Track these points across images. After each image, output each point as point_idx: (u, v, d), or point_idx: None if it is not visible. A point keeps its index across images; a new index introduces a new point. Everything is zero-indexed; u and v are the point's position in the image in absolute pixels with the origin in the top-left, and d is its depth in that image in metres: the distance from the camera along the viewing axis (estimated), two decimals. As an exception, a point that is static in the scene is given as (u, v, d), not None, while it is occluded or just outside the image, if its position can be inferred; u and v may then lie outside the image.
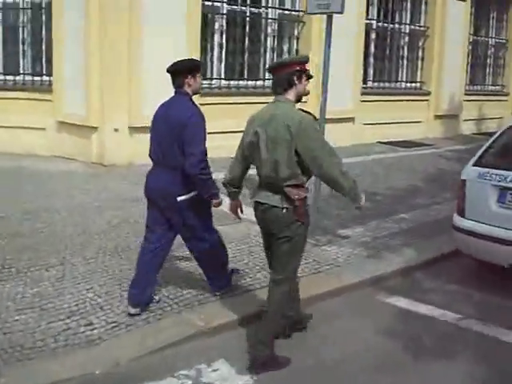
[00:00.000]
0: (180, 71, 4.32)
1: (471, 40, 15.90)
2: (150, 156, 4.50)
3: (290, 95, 3.89)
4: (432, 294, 5.22)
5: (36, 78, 10.19)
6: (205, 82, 10.30)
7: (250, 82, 11.04)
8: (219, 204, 4.42)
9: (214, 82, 10.58)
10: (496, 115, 16.61)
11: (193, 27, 9.69)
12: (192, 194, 4.30)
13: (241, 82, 10.97)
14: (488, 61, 16.91)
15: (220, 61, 10.62)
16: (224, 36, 10.64)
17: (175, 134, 4.19)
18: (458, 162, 11.07)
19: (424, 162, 11.15)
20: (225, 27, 10.64)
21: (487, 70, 16.97)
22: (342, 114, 11.96)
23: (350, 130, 12.41)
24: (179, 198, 4.28)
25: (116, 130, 9.35)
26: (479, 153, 5.44)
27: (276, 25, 11.44)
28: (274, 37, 11.38)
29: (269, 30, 11.31)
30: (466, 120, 15.80)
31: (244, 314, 4.52)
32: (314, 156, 3.71)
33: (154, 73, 8.83)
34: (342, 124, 12.10)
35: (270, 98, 4.02)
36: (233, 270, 5.03)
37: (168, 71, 4.37)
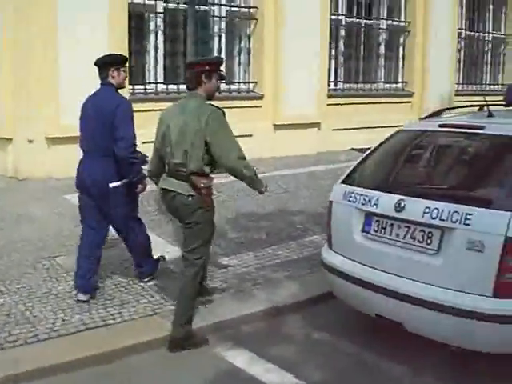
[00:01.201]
0: (104, 64, 4.67)
1: (463, 35, 14.65)
2: (80, 147, 4.79)
3: (201, 91, 4.23)
4: (285, 348, 4.18)
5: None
6: (140, 87, 9.43)
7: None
8: (144, 189, 4.76)
9: (150, 86, 9.66)
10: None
11: (118, 31, 8.77)
12: (124, 180, 4.59)
13: (181, 87, 10.03)
14: (485, 58, 15.60)
15: (156, 64, 9.69)
16: (161, 37, 9.71)
17: (105, 121, 4.48)
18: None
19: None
20: (162, 27, 9.71)
21: (484, 68, 15.65)
22: (305, 119, 10.97)
23: (314, 136, 11.37)
24: (111, 185, 4.55)
25: (30, 141, 8.52)
26: (351, 167, 4.36)
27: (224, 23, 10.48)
28: (220, 36, 10.39)
29: (215, 28, 10.34)
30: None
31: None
32: (220, 147, 4.03)
33: (73, 80, 8.03)
34: (306, 130, 11.11)
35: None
36: (159, 256, 5.28)
37: (95, 64, 4.74)
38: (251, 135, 9.79)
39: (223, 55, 10.19)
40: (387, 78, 13.27)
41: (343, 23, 12.16)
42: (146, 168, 4.66)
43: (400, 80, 13.40)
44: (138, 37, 9.54)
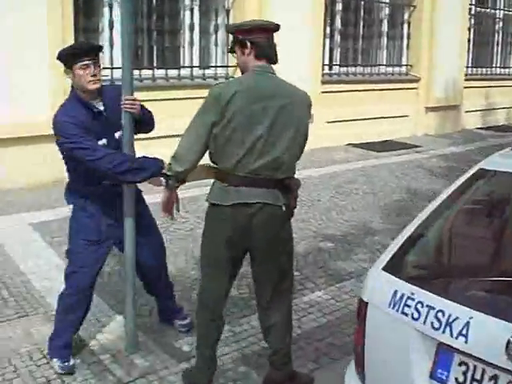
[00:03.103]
0: None
1: (473, 12, 12.80)
2: None
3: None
4: None
5: None
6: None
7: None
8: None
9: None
10: (506, 104, 13.60)
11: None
12: None
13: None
14: (496, 37, 13.77)
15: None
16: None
17: None
18: (445, 176, 8.16)
19: (393, 177, 8.20)
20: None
21: (495, 49, 13.81)
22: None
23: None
24: None
25: None
26: (401, 238, 2.50)
27: None
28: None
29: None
30: (468, 111, 12.77)
31: None
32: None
33: None
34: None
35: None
36: None
37: None
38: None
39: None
40: (391, 61, 11.39)
41: (340, -4, 10.23)
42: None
43: (404, 63, 11.55)
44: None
